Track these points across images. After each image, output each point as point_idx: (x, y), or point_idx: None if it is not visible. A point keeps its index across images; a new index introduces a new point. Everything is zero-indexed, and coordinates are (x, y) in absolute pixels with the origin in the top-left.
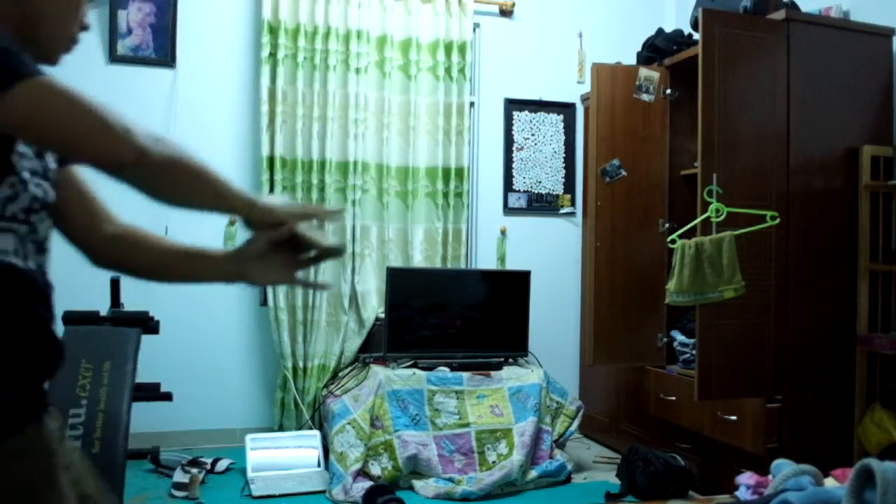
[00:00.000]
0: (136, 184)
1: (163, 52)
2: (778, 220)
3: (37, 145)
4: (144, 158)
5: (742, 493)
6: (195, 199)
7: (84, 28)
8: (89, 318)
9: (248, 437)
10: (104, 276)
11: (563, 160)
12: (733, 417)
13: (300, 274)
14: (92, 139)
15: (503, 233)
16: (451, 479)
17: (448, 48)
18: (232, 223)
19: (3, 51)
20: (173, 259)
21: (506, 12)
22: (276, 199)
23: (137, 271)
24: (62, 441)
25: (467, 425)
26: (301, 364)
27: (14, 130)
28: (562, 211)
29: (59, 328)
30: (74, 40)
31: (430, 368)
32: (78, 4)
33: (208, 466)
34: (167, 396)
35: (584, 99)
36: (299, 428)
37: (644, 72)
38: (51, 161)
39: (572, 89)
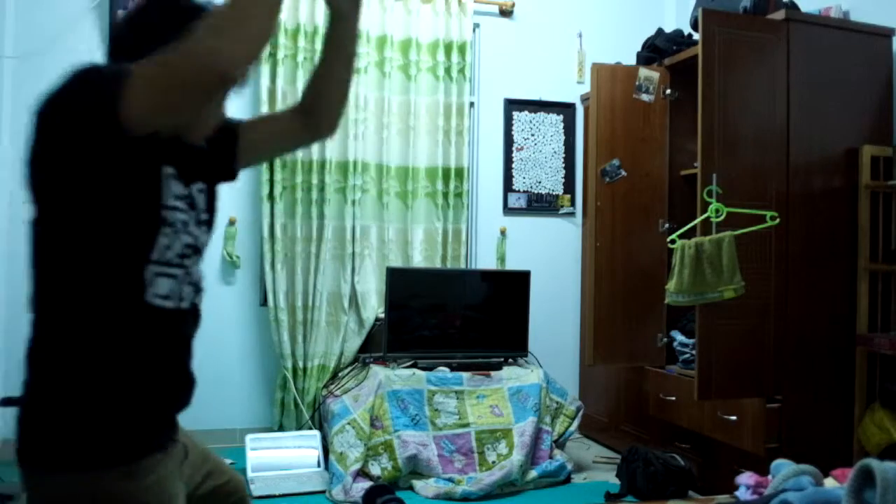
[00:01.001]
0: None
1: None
2: (778, 220)
3: (172, 121)
4: (227, 47)
5: (742, 493)
6: (271, 19)
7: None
8: None
9: (248, 437)
10: None
11: (562, 160)
12: (733, 417)
13: None
14: (194, 78)
15: (503, 233)
16: (451, 479)
17: (448, 48)
18: (231, 223)
19: (98, 78)
20: (333, 63)
21: (506, 12)
22: None
23: (338, 100)
24: (177, 471)
25: (467, 425)
26: (301, 364)
27: (153, 127)
28: (562, 211)
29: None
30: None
31: (429, 368)
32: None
33: None
34: None
35: (584, 99)
36: (299, 428)
37: (644, 72)
38: (199, 201)
39: (572, 89)
